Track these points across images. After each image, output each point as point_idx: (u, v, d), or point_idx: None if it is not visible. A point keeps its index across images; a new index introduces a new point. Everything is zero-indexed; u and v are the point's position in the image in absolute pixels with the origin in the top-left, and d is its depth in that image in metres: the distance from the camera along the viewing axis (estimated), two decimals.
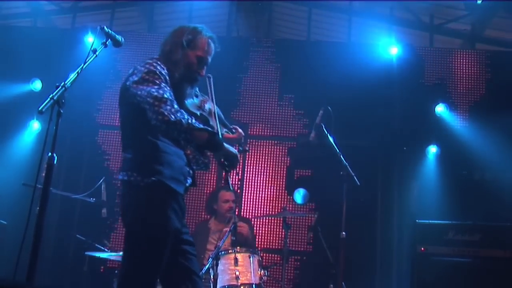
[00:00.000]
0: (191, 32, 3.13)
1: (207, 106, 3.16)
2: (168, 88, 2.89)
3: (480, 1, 7.02)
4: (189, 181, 3.11)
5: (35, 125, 7.40)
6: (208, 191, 7.19)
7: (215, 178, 7.37)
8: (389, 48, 7.45)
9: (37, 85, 7.35)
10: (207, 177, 7.33)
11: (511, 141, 6.73)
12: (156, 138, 2.93)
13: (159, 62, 2.97)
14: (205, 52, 3.14)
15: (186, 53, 3.08)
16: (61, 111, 2.61)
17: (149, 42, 7.70)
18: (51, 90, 2.66)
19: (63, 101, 2.63)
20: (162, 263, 2.87)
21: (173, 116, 2.76)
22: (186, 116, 2.82)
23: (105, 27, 2.96)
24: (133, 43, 7.40)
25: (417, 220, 5.87)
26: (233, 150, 3.01)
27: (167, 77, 2.95)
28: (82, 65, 2.80)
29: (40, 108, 2.53)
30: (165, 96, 2.81)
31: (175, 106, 2.83)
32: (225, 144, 2.96)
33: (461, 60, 7.51)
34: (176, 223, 2.94)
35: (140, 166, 2.91)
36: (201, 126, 2.87)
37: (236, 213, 6.40)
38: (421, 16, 8.01)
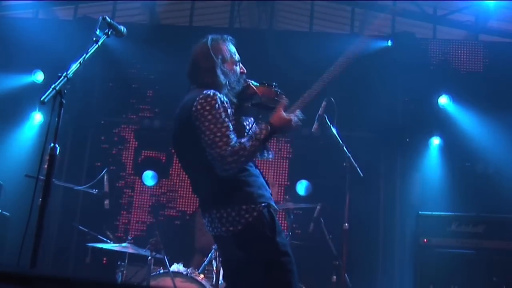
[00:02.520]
0: (216, 50, 3.05)
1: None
2: (228, 117, 2.84)
3: None
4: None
5: (37, 117, 7.39)
6: None
7: None
8: (392, 39, 7.42)
9: (39, 76, 7.33)
10: None
11: None
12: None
13: (216, 92, 2.89)
14: (234, 54, 3.13)
15: (227, 69, 3.04)
16: (63, 101, 2.59)
17: (151, 34, 7.68)
18: (53, 81, 2.64)
19: (65, 91, 2.61)
20: None
21: (236, 157, 2.74)
22: (243, 141, 2.79)
23: (107, 17, 2.94)
24: (135, 36, 7.36)
25: (419, 212, 5.86)
26: (285, 116, 2.97)
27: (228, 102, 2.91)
28: (84, 55, 2.78)
29: (42, 99, 2.51)
30: (227, 141, 2.75)
31: (232, 140, 2.77)
32: (281, 118, 2.95)
33: (465, 51, 7.47)
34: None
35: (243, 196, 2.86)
36: (257, 133, 2.86)
37: None
38: (424, 7, 7.96)
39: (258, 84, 3.08)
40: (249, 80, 3.10)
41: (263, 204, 2.83)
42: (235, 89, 3.05)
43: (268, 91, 3.05)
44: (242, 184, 2.84)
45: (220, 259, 4.96)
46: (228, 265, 3.10)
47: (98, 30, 2.86)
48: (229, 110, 2.85)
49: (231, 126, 2.80)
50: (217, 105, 2.80)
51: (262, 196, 2.87)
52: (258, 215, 2.80)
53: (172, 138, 3.07)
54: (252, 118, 3.13)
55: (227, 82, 3.01)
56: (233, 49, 3.14)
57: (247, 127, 3.05)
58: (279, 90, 3.05)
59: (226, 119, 2.80)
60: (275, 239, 2.82)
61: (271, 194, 2.99)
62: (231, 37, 3.18)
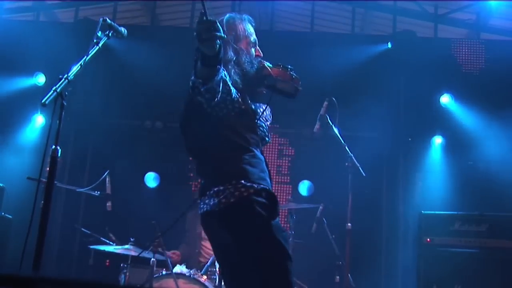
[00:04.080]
0: (231, 28, 2.99)
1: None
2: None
3: None
4: None
5: (39, 119, 7.39)
6: None
7: None
8: (392, 40, 7.42)
9: (40, 79, 7.33)
10: None
11: None
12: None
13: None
14: (250, 34, 3.04)
15: (239, 48, 2.95)
16: (64, 103, 2.59)
17: (152, 35, 7.69)
18: (54, 83, 2.64)
19: (66, 93, 2.61)
20: None
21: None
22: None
23: (107, 19, 2.94)
24: (136, 37, 7.37)
25: (422, 211, 5.85)
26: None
27: (230, 79, 2.78)
28: (85, 57, 2.78)
29: (43, 101, 2.51)
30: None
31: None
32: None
33: (466, 50, 7.46)
34: None
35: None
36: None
37: None
38: (425, 6, 7.95)
39: (272, 66, 2.99)
40: (264, 61, 3.00)
41: (261, 186, 2.72)
42: (248, 71, 2.93)
43: (283, 74, 2.94)
44: (245, 163, 2.75)
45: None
46: (217, 250, 2.96)
47: (98, 31, 2.86)
48: (230, 85, 2.71)
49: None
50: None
51: (263, 179, 2.77)
52: (254, 192, 2.68)
53: (179, 125, 2.97)
54: (264, 105, 3.05)
55: (236, 60, 2.91)
56: (250, 29, 3.05)
57: (259, 111, 2.98)
58: (294, 74, 2.96)
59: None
60: (269, 218, 2.69)
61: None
62: (250, 18, 3.11)
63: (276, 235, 2.67)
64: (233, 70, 2.87)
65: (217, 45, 2.46)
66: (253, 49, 3.02)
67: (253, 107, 2.96)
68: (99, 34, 2.89)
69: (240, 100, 2.80)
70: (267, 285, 2.65)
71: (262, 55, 3.06)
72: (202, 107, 2.68)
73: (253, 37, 3.04)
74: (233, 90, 2.73)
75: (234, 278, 2.84)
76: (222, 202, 2.67)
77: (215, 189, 2.72)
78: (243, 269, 2.72)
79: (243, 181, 2.69)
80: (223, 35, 2.45)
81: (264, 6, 8.26)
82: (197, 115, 2.77)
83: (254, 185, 2.70)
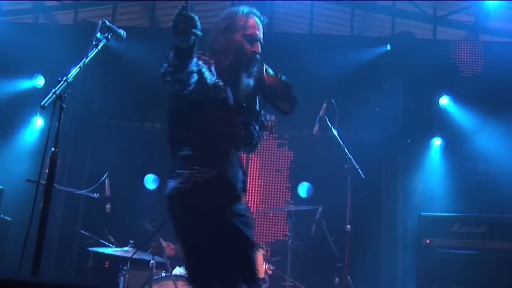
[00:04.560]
0: (228, 17, 3.00)
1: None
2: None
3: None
4: None
5: (38, 121, 7.38)
6: None
7: None
8: (391, 42, 7.43)
9: (39, 81, 7.33)
10: None
11: None
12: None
13: (201, 57, 2.79)
14: (249, 28, 2.94)
15: (230, 38, 2.92)
16: (64, 105, 2.59)
17: (151, 37, 7.68)
18: (54, 85, 2.64)
19: (66, 95, 2.61)
20: None
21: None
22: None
23: (106, 21, 2.94)
24: (135, 39, 7.37)
25: (421, 213, 5.85)
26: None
27: (207, 68, 2.78)
28: (84, 59, 2.78)
29: (42, 103, 2.51)
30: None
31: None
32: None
33: (465, 52, 7.46)
34: None
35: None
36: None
37: None
38: (424, 8, 7.96)
39: (273, 74, 2.93)
40: (266, 66, 2.95)
41: (217, 173, 2.72)
42: (233, 64, 2.88)
43: (277, 84, 2.89)
44: (209, 151, 2.77)
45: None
46: (177, 234, 2.88)
47: (98, 34, 2.86)
48: (206, 77, 2.71)
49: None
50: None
51: (226, 169, 2.76)
52: (210, 178, 2.70)
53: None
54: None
55: (224, 50, 2.89)
56: (251, 23, 2.97)
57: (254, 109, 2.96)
58: (292, 92, 2.94)
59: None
60: (223, 204, 2.70)
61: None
62: (258, 14, 3.05)
63: (232, 220, 2.66)
64: (219, 60, 2.87)
65: (191, 40, 2.46)
66: (248, 43, 2.93)
67: (231, 100, 2.87)
68: (98, 36, 2.89)
69: (218, 90, 2.80)
70: (224, 269, 2.65)
71: (258, 51, 2.97)
72: (176, 94, 2.73)
73: (252, 31, 2.96)
74: (210, 79, 2.73)
75: (191, 265, 2.81)
76: (180, 187, 2.72)
77: (176, 171, 2.77)
78: (196, 256, 2.73)
79: (199, 168, 2.70)
80: (198, 33, 2.44)
81: (263, 7, 8.24)
82: (174, 100, 2.85)
83: (211, 171, 2.70)
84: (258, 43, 2.98)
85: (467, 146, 7.02)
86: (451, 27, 8.11)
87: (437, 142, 7.23)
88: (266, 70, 2.95)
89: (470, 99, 7.22)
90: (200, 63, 2.68)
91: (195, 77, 2.62)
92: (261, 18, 3.05)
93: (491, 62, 7.36)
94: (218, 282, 2.65)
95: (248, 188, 7.34)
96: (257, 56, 2.95)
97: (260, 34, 3.00)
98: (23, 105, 7.28)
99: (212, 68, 2.80)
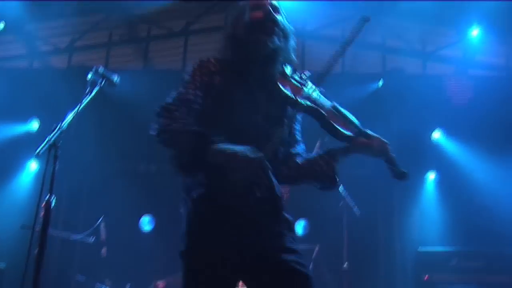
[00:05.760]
0: (232, 16, 2.55)
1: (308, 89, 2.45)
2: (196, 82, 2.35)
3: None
4: None
5: (32, 166, 7.38)
6: None
7: None
8: (383, 78, 7.54)
9: (34, 125, 7.36)
10: None
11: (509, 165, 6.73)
12: None
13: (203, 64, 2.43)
14: (253, 13, 2.44)
15: (236, 32, 2.47)
16: (58, 153, 2.61)
17: (145, 79, 7.75)
18: (49, 131, 2.66)
19: (60, 143, 2.63)
20: None
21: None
22: (181, 113, 2.28)
23: (99, 68, 2.98)
24: (129, 81, 7.43)
25: (419, 248, 5.83)
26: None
27: (207, 71, 2.40)
28: (78, 106, 2.82)
29: (37, 152, 2.54)
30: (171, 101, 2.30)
31: (173, 100, 2.31)
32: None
33: (455, 86, 7.56)
34: None
35: None
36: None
37: None
38: (413, 44, 8.09)
39: (289, 73, 2.46)
40: (286, 65, 2.50)
41: (203, 196, 2.24)
42: (250, 55, 2.40)
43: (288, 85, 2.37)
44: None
45: None
46: None
47: (91, 81, 2.91)
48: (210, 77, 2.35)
49: (191, 92, 2.33)
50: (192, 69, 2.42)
51: (215, 187, 2.23)
52: (192, 204, 2.28)
53: None
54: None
55: (239, 44, 2.44)
56: (252, 7, 2.48)
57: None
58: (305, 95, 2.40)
59: (191, 83, 2.36)
60: (190, 233, 2.27)
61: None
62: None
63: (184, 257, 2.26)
64: (235, 56, 2.46)
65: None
66: (258, 28, 2.41)
67: (235, 101, 2.37)
68: (91, 83, 2.94)
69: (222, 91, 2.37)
70: None
71: (260, 16, 2.43)
72: None
73: (262, 15, 2.45)
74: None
75: None
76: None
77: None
78: None
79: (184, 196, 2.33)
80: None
81: None
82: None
83: (194, 194, 2.28)
84: (264, 10, 2.44)
85: (461, 179, 7.04)
86: (440, 62, 8.23)
87: (431, 176, 7.25)
88: (284, 67, 2.47)
89: (462, 132, 7.29)
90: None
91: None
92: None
93: (481, 95, 7.45)
94: None
95: None
96: (265, 39, 2.40)
97: (269, 12, 2.45)
98: (18, 149, 7.28)
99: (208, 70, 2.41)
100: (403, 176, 2.45)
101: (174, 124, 2.27)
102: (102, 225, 5.32)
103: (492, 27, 7.15)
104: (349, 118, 2.54)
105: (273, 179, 2.29)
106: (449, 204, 7.08)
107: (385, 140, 2.55)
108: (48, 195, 2.65)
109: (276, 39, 2.40)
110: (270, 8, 2.46)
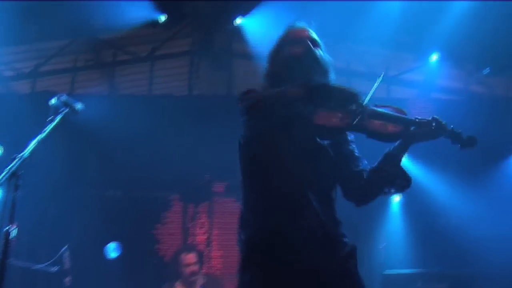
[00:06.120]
0: (277, 42, 2.59)
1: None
2: None
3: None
4: None
5: None
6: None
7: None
8: None
9: None
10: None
11: (473, 185, 6.85)
12: None
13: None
14: (293, 49, 2.46)
15: (275, 70, 2.52)
16: (19, 183, 2.58)
17: (110, 104, 7.69)
18: (11, 160, 2.63)
19: (21, 172, 2.60)
20: None
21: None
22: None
23: (62, 96, 2.97)
24: (95, 106, 7.36)
25: (384, 271, 5.87)
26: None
27: None
28: (41, 135, 2.79)
29: None
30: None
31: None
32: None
33: (418, 110, 7.71)
34: None
35: None
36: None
37: (203, 271, 6.27)
38: (376, 68, 8.26)
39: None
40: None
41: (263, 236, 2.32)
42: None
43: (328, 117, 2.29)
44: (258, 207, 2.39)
45: None
46: None
47: (54, 109, 2.89)
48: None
49: None
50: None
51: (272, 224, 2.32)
52: (244, 248, 2.40)
53: None
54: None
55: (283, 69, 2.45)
56: (296, 34, 2.54)
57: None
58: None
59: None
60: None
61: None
62: (295, 23, 2.62)
63: None
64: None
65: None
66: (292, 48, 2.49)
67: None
68: (55, 110, 2.92)
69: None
70: None
71: (304, 50, 2.46)
72: None
73: (305, 41, 2.51)
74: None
75: None
76: None
77: None
78: None
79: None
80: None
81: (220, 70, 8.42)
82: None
83: (242, 236, 2.42)
84: (304, 45, 2.47)
85: (426, 202, 7.14)
86: (403, 86, 8.41)
87: (396, 199, 7.34)
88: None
89: (426, 155, 7.40)
90: None
91: None
92: (310, 23, 2.60)
93: (443, 119, 7.59)
94: None
95: (212, 252, 7.26)
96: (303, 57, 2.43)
97: (306, 34, 2.51)
98: None
99: None
100: (473, 141, 2.43)
101: (259, 93, 2.34)
102: (67, 254, 5.21)
103: (451, 52, 7.37)
104: (392, 116, 2.45)
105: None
106: (413, 227, 7.16)
107: (436, 118, 2.50)
108: (8, 227, 2.60)
109: (315, 77, 2.40)
110: (310, 44, 2.46)
